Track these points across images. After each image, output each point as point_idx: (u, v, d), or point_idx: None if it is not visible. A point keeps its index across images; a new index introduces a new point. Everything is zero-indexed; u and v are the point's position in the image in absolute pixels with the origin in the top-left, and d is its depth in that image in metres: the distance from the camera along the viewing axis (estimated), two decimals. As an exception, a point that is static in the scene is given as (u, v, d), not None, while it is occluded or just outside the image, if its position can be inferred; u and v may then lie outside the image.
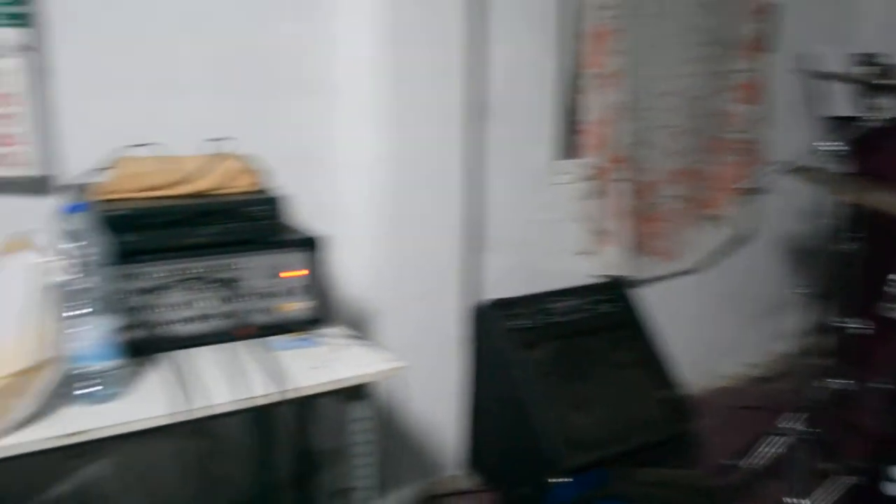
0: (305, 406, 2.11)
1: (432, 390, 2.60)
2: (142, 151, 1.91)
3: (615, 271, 3.01)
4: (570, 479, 2.37)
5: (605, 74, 2.81)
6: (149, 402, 1.55)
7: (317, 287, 1.90)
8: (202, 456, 2.26)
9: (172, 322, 1.78)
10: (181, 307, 1.78)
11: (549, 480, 2.37)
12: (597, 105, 2.85)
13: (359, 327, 2.10)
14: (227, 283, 1.81)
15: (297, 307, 1.89)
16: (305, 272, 1.88)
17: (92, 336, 1.52)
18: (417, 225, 2.47)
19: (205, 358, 1.73)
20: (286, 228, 1.92)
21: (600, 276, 3.01)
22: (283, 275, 1.86)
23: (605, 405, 2.62)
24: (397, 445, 2.57)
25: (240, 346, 1.77)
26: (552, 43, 2.76)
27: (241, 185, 1.92)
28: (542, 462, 2.43)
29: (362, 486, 1.84)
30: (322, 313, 1.92)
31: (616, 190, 2.92)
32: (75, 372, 1.52)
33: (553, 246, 2.92)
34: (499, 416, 2.68)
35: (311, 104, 2.35)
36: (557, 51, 2.78)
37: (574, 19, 2.79)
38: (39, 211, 1.76)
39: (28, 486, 2.15)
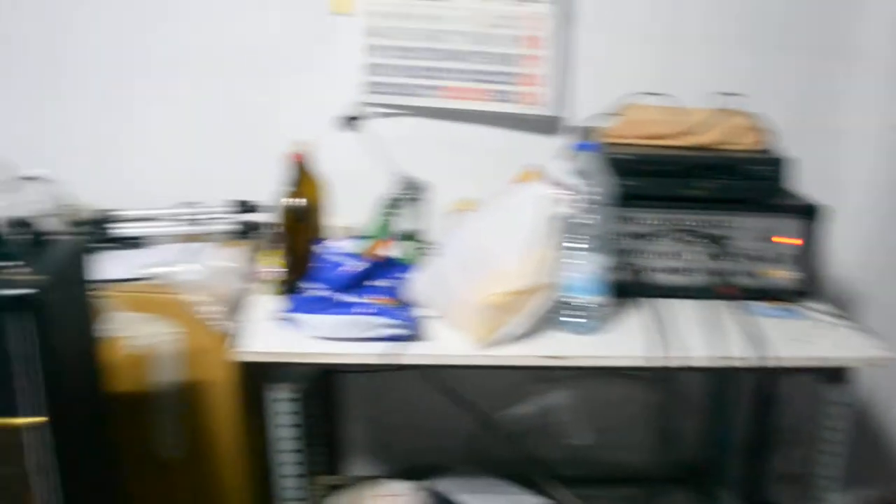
0: (775, 378, 2.03)
1: (915, 390, 2.36)
2: (650, 100, 1.96)
3: None
4: None
5: None
6: (626, 342, 1.61)
7: (808, 258, 1.81)
8: (659, 406, 2.29)
9: (657, 270, 1.82)
10: (668, 257, 1.81)
11: None
12: None
13: (842, 308, 1.96)
14: (718, 239, 1.79)
15: (783, 276, 1.82)
16: (799, 241, 1.80)
17: (584, 270, 1.61)
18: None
19: (684, 310, 1.74)
20: (785, 193, 1.84)
21: None
22: (775, 240, 1.80)
23: None
24: (867, 441, 2.38)
25: (719, 305, 1.75)
26: None
27: (745, 143, 1.88)
28: None
29: (824, 475, 1.73)
30: (808, 286, 1.83)
31: None
32: (564, 301, 1.62)
33: None
34: None
35: (825, 67, 2.19)
36: None
37: None
38: (548, 147, 1.90)
39: (500, 398, 2.36)
